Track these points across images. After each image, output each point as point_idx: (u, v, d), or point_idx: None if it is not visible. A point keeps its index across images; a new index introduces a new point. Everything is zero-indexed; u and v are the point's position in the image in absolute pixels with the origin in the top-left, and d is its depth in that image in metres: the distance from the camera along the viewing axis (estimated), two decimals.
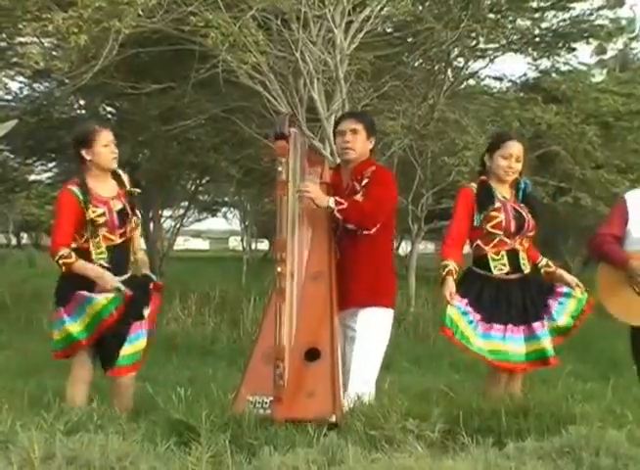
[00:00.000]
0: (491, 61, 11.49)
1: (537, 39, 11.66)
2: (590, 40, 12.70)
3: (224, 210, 28.67)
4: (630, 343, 4.47)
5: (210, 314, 9.25)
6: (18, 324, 9.23)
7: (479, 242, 4.23)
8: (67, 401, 3.94)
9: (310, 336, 3.88)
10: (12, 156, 15.24)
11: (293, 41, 7.92)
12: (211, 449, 3.15)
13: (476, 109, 12.34)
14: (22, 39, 9.48)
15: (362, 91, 9.37)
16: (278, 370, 3.65)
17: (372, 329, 4.13)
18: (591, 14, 11.65)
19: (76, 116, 13.36)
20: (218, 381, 5.00)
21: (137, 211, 4.32)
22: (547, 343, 4.14)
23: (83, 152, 4.12)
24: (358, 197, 4.16)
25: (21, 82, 12.22)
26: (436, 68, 10.47)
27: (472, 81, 13.22)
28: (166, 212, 19.31)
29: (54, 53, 8.54)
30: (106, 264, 4.07)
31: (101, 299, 3.96)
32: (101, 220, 4.06)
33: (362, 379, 4.02)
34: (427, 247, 30.48)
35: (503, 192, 4.30)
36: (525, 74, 13.95)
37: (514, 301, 4.17)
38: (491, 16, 9.85)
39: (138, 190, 4.41)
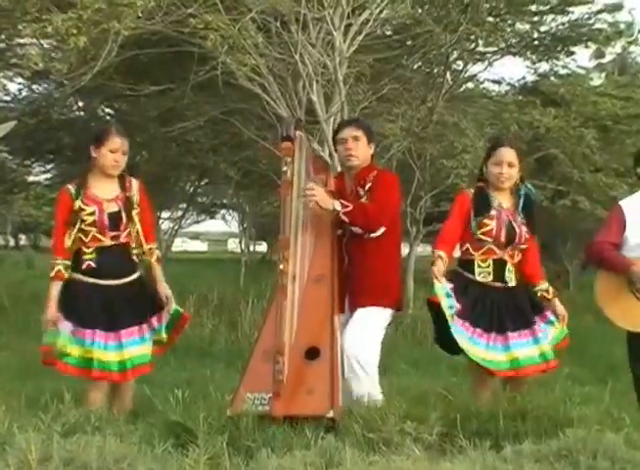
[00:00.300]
0: (490, 64, 11.51)
1: (536, 43, 11.66)
2: (589, 44, 12.71)
3: (223, 211, 28.69)
4: (627, 348, 4.47)
5: (209, 316, 9.26)
6: (15, 325, 9.21)
7: (468, 246, 4.23)
8: (86, 404, 3.93)
9: (311, 336, 3.89)
10: (10, 157, 15.22)
11: (292, 43, 7.93)
12: (209, 451, 3.15)
13: (474, 112, 12.35)
14: (21, 40, 9.47)
15: (361, 94, 9.38)
16: (278, 366, 3.67)
17: (371, 317, 4.13)
18: (590, 18, 11.65)
19: (75, 117, 13.37)
20: (216, 383, 4.99)
21: (155, 249, 4.34)
22: (520, 353, 4.13)
23: (92, 148, 4.16)
24: (362, 201, 4.19)
25: (20, 83, 12.24)
26: (435, 70, 10.49)
27: (470, 84, 13.24)
28: (165, 214, 19.35)
29: (53, 54, 8.54)
30: (93, 265, 4.10)
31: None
32: (89, 220, 4.09)
33: (357, 357, 3.96)
34: (425, 249, 30.43)
35: (501, 199, 4.28)
36: (523, 78, 13.97)
37: (495, 307, 4.16)
38: (490, 19, 9.87)
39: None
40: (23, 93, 12.47)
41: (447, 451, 3.37)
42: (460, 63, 10.92)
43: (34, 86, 12.38)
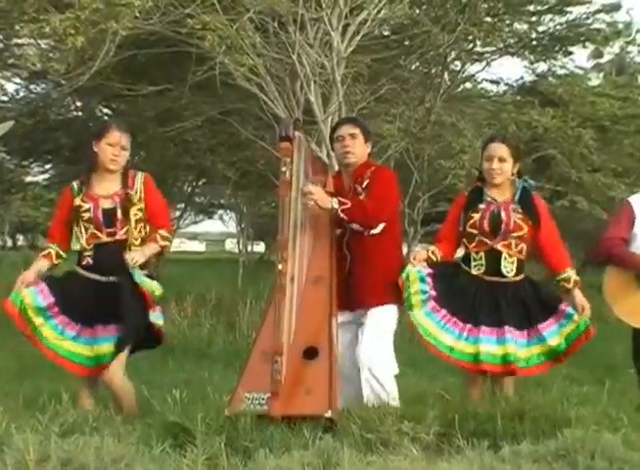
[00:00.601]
0: (488, 64, 11.51)
1: (534, 43, 11.68)
2: (587, 44, 12.75)
3: (220, 212, 28.69)
4: (632, 344, 4.48)
5: (206, 317, 9.24)
6: (13, 326, 9.18)
7: (464, 241, 4.28)
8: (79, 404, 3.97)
9: (309, 336, 3.89)
10: (8, 157, 15.21)
11: (289, 44, 7.93)
12: (207, 452, 3.15)
13: (472, 112, 12.35)
14: (18, 41, 9.49)
15: (359, 94, 9.38)
16: (276, 366, 3.66)
17: (380, 321, 4.17)
18: (588, 18, 11.66)
19: (73, 117, 13.36)
20: (214, 383, 4.98)
21: (163, 233, 4.29)
22: (512, 349, 4.09)
23: (93, 143, 4.20)
24: (361, 198, 4.20)
25: (17, 84, 12.25)
26: (433, 71, 10.49)
27: (468, 85, 13.24)
28: None
29: (51, 54, 8.55)
30: (91, 261, 4.15)
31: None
32: (85, 216, 4.14)
33: (374, 360, 4.03)
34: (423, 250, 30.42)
35: (496, 194, 4.29)
36: (521, 78, 13.96)
37: (484, 300, 4.16)
38: (488, 19, 9.88)
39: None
40: (21, 93, 12.49)
41: (445, 452, 3.37)
42: (458, 63, 10.92)
43: (32, 86, 12.39)
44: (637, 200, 4.55)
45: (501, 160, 4.24)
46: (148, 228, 4.26)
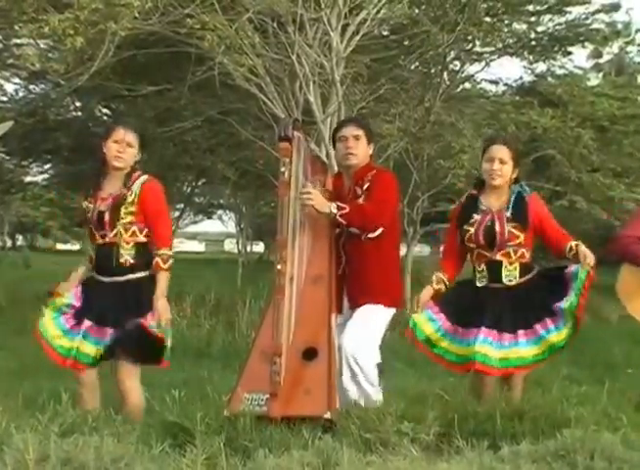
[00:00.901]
0: (487, 64, 11.54)
1: (533, 43, 11.69)
2: (586, 44, 12.77)
3: (220, 212, 28.66)
4: None
5: (206, 316, 9.24)
6: (13, 326, 9.20)
7: (468, 254, 4.31)
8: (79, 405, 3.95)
9: (308, 337, 3.89)
10: (7, 157, 15.24)
11: (289, 44, 7.94)
12: (206, 452, 3.15)
13: (472, 112, 12.36)
14: (18, 41, 9.49)
15: (358, 94, 9.39)
16: (275, 366, 3.66)
17: (370, 314, 4.14)
18: (587, 18, 11.68)
19: (72, 117, 13.37)
20: (213, 383, 4.99)
21: (164, 255, 4.14)
22: (521, 352, 4.10)
23: (102, 144, 4.19)
24: (360, 200, 4.19)
25: (16, 84, 12.25)
26: (433, 71, 10.50)
27: (468, 85, 13.26)
28: None
29: (50, 55, 8.55)
30: (94, 262, 4.20)
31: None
32: (88, 217, 4.18)
33: (356, 346, 3.99)
34: (422, 249, 30.49)
35: (492, 201, 4.28)
36: (520, 78, 14.01)
37: (490, 306, 4.16)
38: (487, 19, 9.89)
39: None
40: (20, 93, 12.50)
41: (444, 452, 3.37)
42: (457, 63, 10.95)
43: (31, 86, 12.39)
44: None
45: (502, 161, 4.24)
46: (145, 232, 4.16)
